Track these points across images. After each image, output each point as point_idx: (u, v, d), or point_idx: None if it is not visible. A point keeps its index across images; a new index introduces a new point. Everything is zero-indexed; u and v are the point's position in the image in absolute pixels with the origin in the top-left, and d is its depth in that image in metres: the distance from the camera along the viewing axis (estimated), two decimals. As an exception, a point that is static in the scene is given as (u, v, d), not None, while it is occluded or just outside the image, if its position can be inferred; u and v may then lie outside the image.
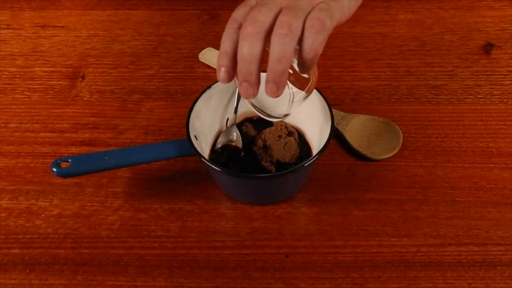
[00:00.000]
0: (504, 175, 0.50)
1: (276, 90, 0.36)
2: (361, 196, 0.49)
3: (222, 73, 0.37)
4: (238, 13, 0.37)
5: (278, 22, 0.35)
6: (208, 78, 0.62)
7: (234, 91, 0.51)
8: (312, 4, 0.36)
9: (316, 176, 0.51)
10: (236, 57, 0.36)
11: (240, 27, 0.36)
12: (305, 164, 0.42)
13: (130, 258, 0.45)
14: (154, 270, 0.44)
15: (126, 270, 0.44)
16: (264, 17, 0.35)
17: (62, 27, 0.70)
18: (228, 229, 0.47)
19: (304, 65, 0.37)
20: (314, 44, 0.35)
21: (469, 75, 0.61)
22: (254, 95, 0.37)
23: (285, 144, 0.49)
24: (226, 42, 0.37)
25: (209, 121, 0.50)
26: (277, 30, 0.35)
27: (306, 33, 0.35)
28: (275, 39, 0.35)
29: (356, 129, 0.54)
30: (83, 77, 0.63)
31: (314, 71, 0.39)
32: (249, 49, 0.35)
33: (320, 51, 0.36)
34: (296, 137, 0.51)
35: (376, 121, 0.54)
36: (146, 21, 0.71)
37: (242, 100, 0.51)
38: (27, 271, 0.45)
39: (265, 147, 0.50)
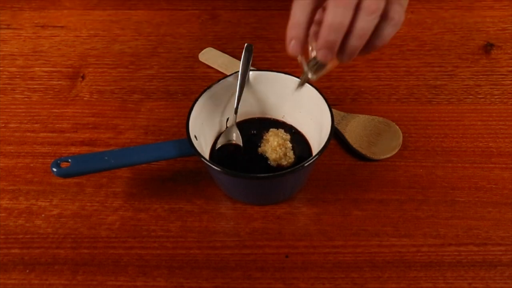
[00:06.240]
0: (504, 175, 0.50)
1: (349, 59, 0.37)
2: (361, 196, 0.49)
3: (293, 46, 0.36)
4: None
5: None
6: (208, 78, 0.62)
7: (234, 91, 0.51)
8: None
9: (316, 176, 0.51)
10: (309, 28, 0.36)
11: None
12: (305, 164, 0.42)
13: (130, 258, 0.45)
14: (154, 270, 0.44)
15: (126, 270, 0.44)
16: None
17: (62, 27, 0.70)
18: (228, 229, 0.47)
19: (367, 50, 0.37)
20: (389, 35, 0.37)
21: (469, 75, 0.61)
22: (331, 59, 0.37)
23: (284, 154, 0.49)
24: (300, 13, 0.36)
25: (209, 121, 0.50)
26: (366, 5, 0.34)
27: (384, 23, 0.36)
28: (362, 15, 0.35)
29: (356, 129, 0.54)
30: (83, 77, 0.63)
31: None
32: (341, 18, 0.34)
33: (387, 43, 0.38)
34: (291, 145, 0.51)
35: (376, 121, 0.54)
36: (146, 21, 0.71)
37: (242, 100, 0.51)
38: (27, 271, 0.45)
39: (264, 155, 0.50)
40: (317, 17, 0.37)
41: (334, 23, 0.34)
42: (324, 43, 0.36)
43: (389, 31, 0.36)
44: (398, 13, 0.36)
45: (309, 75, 0.41)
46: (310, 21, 0.36)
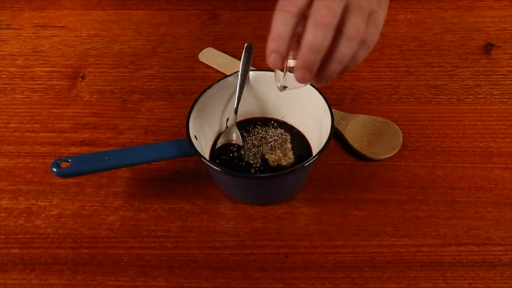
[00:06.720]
0: (504, 175, 0.50)
1: (325, 83, 0.37)
2: (361, 196, 0.49)
3: (274, 58, 0.35)
4: None
5: (349, 23, 0.34)
6: (208, 78, 0.62)
7: (234, 91, 0.51)
8: (371, 7, 0.35)
9: (316, 176, 0.51)
10: (291, 42, 0.35)
11: (300, 12, 0.35)
12: (305, 164, 0.42)
13: (130, 258, 0.45)
14: (154, 270, 0.44)
15: (126, 270, 0.44)
16: (338, 9, 0.34)
17: (62, 27, 0.70)
18: (228, 229, 0.47)
19: (341, 74, 0.37)
20: (362, 57, 0.36)
21: (469, 75, 0.61)
22: (309, 81, 0.37)
23: (284, 154, 0.49)
24: (283, 27, 0.35)
25: (209, 121, 0.50)
26: (347, 32, 0.34)
27: (359, 47, 0.36)
28: (344, 41, 0.34)
29: (356, 129, 0.54)
30: (83, 77, 0.63)
31: None
32: (322, 39, 0.34)
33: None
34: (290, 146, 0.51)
35: (376, 121, 0.54)
36: (146, 21, 0.71)
37: (242, 100, 0.51)
38: (27, 271, 0.45)
39: (263, 156, 0.50)
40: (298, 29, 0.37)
41: (314, 44, 0.34)
42: (303, 64, 0.35)
43: (362, 54, 0.36)
44: (371, 36, 0.36)
45: (280, 86, 0.41)
46: (293, 34, 0.35)
